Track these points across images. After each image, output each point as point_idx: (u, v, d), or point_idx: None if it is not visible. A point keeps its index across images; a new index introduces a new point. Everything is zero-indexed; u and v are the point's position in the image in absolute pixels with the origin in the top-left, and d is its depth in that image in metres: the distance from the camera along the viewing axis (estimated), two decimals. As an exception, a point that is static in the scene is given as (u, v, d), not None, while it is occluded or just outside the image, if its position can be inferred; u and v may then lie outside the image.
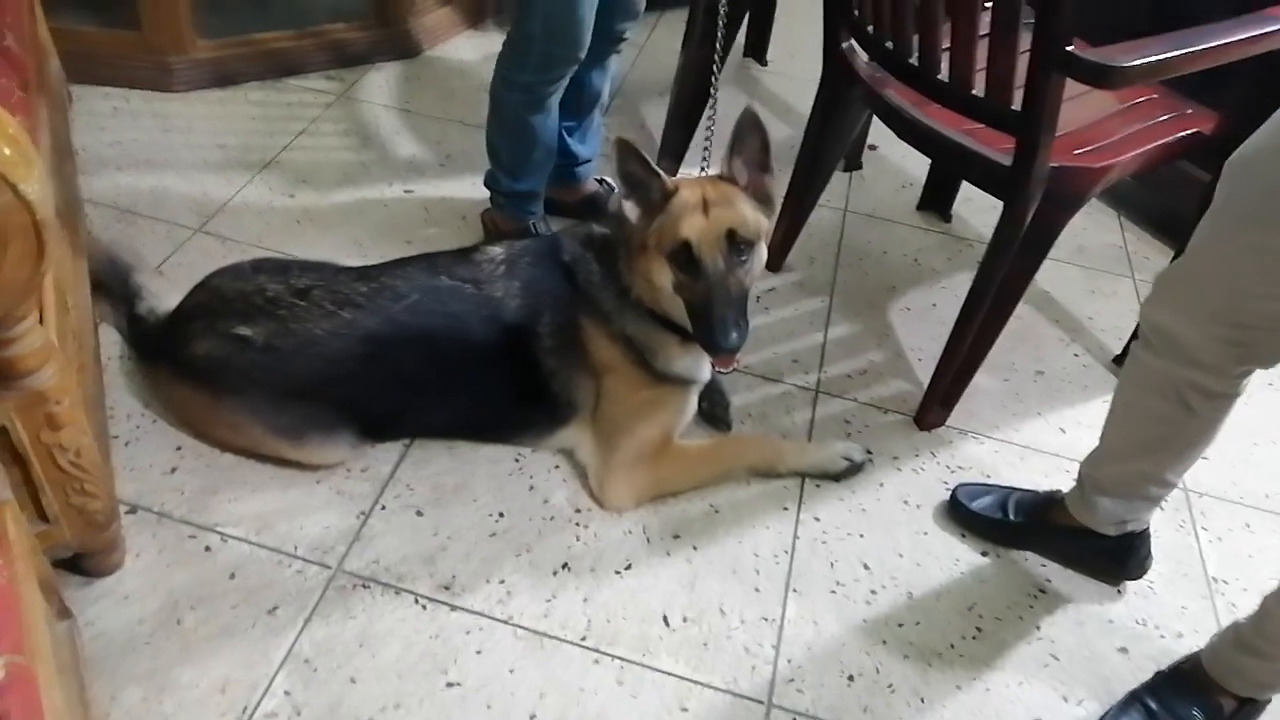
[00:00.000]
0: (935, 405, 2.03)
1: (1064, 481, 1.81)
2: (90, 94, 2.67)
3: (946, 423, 2.06)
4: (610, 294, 1.73)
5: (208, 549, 1.63)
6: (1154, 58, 1.51)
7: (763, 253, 1.66)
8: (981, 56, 1.62)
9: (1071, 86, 1.55)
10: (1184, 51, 1.53)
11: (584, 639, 1.58)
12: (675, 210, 1.60)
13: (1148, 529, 1.71)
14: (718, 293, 1.57)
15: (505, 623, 1.59)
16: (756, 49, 3.35)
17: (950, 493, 1.87)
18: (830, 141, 2.23)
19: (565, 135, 2.31)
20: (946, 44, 1.69)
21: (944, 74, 1.73)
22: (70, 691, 1.23)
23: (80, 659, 1.36)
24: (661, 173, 1.61)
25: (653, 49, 3.34)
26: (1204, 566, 1.84)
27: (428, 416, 1.83)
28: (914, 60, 1.78)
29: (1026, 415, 2.12)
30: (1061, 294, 2.49)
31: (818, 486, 1.89)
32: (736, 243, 1.59)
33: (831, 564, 1.75)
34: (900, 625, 1.67)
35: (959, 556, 1.79)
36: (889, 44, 1.82)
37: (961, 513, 1.83)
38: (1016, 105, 1.61)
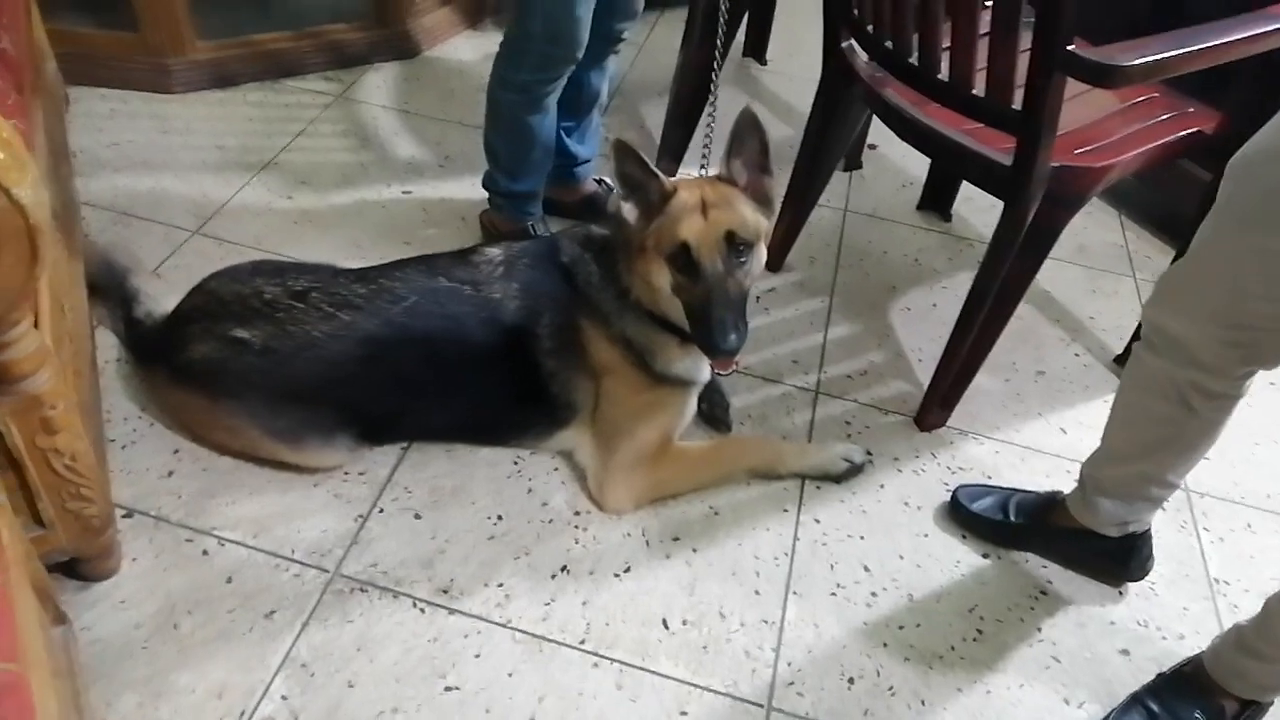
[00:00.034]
0: (936, 406, 2.03)
1: (1065, 482, 1.81)
2: (88, 95, 2.67)
3: (947, 423, 2.05)
4: (609, 295, 1.73)
5: (205, 553, 1.63)
6: (1155, 57, 1.50)
7: (762, 254, 1.65)
8: (982, 56, 1.61)
9: (1072, 85, 1.54)
10: (1185, 50, 1.52)
11: (583, 642, 1.57)
12: (674, 212, 1.59)
13: (1149, 530, 1.70)
14: (716, 294, 1.56)
15: (504, 626, 1.58)
16: (756, 48, 3.34)
17: (951, 494, 1.86)
18: (830, 141, 2.22)
19: (564, 135, 2.31)
20: (946, 43, 1.68)
21: (944, 73, 1.72)
22: (65, 698, 1.22)
23: (76, 665, 1.35)
24: (660, 174, 1.60)
25: (652, 48, 3.33)
26: (1206, 567, 1.83)
27: (426, 419, 1.82)
28: (914, 60, 1.77)
29: (1027, 416, 2.11)
30: (1062, 293, 2.48)
31: (818, 488, 1.88)
32: (735, 244, 1.58)
33: (832, 566, 1.74)
34: (901, 627, 1.66)
35: (960, 558, 1.79)
36: (889, 43, 1.81)
37: (962, 514, 1.82)
38: (1017, 105, 1.60)
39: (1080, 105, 1.82)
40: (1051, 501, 1.77)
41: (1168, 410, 1.43)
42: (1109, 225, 2.77)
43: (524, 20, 1.93)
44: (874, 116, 2.12)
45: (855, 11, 1.90)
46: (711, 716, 1.50)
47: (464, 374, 1.74)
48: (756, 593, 1.68)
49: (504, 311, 1.73)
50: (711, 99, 1.88)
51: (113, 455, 1.74)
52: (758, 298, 2.30)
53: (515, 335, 1.73)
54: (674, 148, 2.65)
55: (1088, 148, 1.78)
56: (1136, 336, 1.96)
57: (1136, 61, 1.49)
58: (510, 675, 1.51)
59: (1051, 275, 2.45)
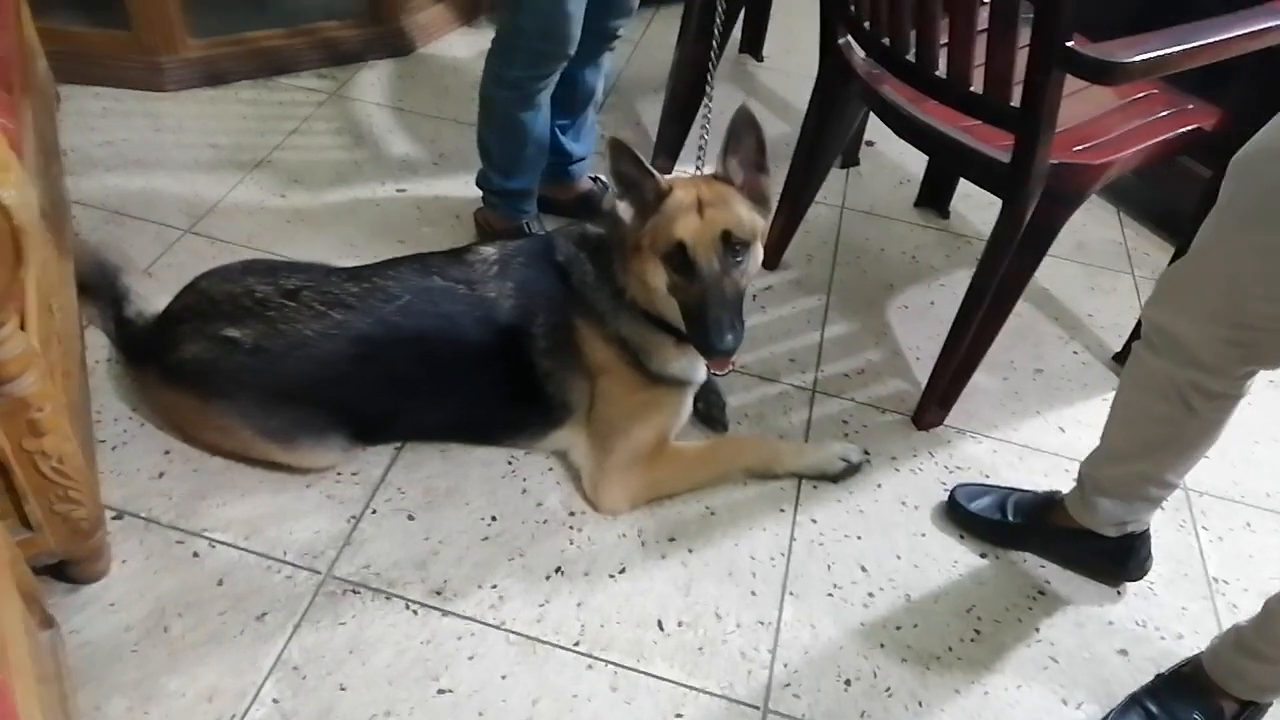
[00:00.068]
0: (933, 405, 2.01)
1: (1063, 481, 1.80)
2: (80, 94, 2.65)
3: (945, 422, 2.04)
4: (604, 295, 1.71)
5: (196, 555, 1.61)
6: (1155, 53, 1.49)
7: (758, 253, 1.64)
8: (980, 52, 1.60)
9: (1071, 82, 1.53)
10: (1185, 47, 1.51)
11: (577, 644, 1.56)
12: (669, 211, 1.58)
13: (1148, 530, 1.69)
14: (712, 294, 1.55)
15: (498, 628, 1.57)
16: (752, 45, 3.33)
17: (949, 493, 1.85)
18: (827, 138, 2.21)
19: (559, 133, 2.29)
20: (944, 40, 1.67)
21: (942, 70, 1.71)
22: (52, 703, 1.21)
23: (64, 669, 1.34)
24: (656, 173, 1.59)
25: (648, 45, 3.32)
26: (1204, 567, 1.82)
27: (420, 419, 1.81)
28: (911, 56, 1.75)
29: (1026, 414, 2.10)
30: (1061, 291, 2.47)
31: (815, 488, 1.87)
32: (731, 243, 1.57)
33: (829, 566, 1.73)
34: (898, 628, 1.65)
35: (957, 558, 1.77)
36: (886, 40, 1.80)
37: (960, 514, 1.81)
38: (1015, 102, 1.59)
39: (1079, 102, 1.81)
40: (1050, 501, 1.76)
41: (1168, 410, 1.42)
42: (1108, 222, 2.76)
43: (515, 16, 1.92)
44: (871, 113, 2.11)
45: (852, 8, 1.89)
46: (707, 718, 1.49)
47: (458, 373, 1.72)
48: (753, 593, 1.67)
49: (498, 311, 1.71)
50: (707, 96, 1.87)
51: (103, 456, 1.73)
52: (754, 296, 2.29)
53: (510, 334, 1.71)
54: (670, 145, 2.63)
55: (1086, 145, 1.77)
56: (1135, 334, 1.96)
57: (1136, 58, 1.48)
58: (504, 677, 1.50)
59: (1050, 272, 2.44)
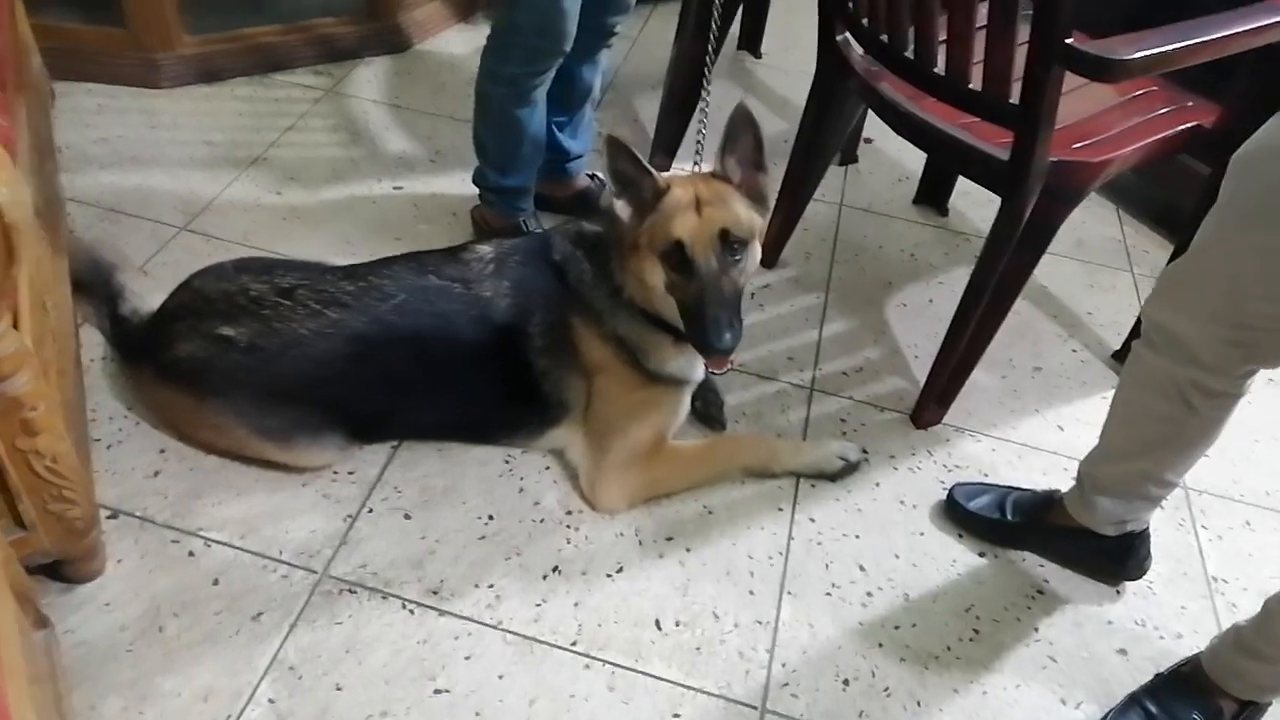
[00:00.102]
0: (932, 403, 2.01)
1: (1062, 480, 1.80)
2: (75, 91, 2.64)
3: (943, 421, 2.03)
4: (602, 293, 1.71)
5: (191, 554, 1.61)
6: (1155, 50, 1.48)
7: (756, 252, 1.63)
8: (979, 49, 1.59)
9: (1070, 79, 1.52)
10: (1185, 44, 1.50)
11: (575, 644, 1.55)
12: (667, 209, 1.57)
13: (1147, 529, 1.69)
14: (711, 293, 1.54)
15: (494, 628, 1.56)
16: (751, 41, 3.32)
17: (947, 492, 1.84)
18: (825, 135, 2.20)
19: (556, 131, 2.28)
20: (943, 37, 1.66)
21: (940, 67, 1.70)
22: (45, 704, 1.20)
23: (58, 669, 1.34)
24: (653, 171, 1.58)
25: (646, 42, 3.31)
26: (1204, 566, 1.81)
27: (416, 418, 1.80)
28: (910, 53, 1.75)
29: (1024, 412, 2.09)
30: (1059, 288, 2.46)
31: (813, 486, 1.86)
32: (730, 242, 1.56)
33: (827, 565, 1.73)
34: (897, 628, 1.64)
35: (956, 557, 1.77)
36: (884, 37, 1.79)
37: (959, 512, 1.80)
38: (1014, 99, 1.58)
39: (1078, 99, 1.80)
40: (1049, 500, 1.76)
41: (1168, 408, 1.42)
42: (1107, 220, 2.75)
43: (511, 12, 1.91)
44: (869, 110, 2.10)
45: (850, 5, 1.88)
46: (705, 718, 1.48)
47: (454, 372, 1.72)
48: (751, 593, 1.66)
49: (495, 309, 1.70)
50: (705, 94, 1.86)
51: (98, 455, 1.72)
52: (752, 294, 2.28)
53: (506, 333, 1.71)
54: (668, 142, 2.63)
55: (1086, 142, 1.76)
56: (1135, 332, 1.96)
57: (1136, 55, 1.47)
58: (501, 677, 1.49)
59: (1049, 270, 2.44)
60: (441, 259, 1.78)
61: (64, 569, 1.51)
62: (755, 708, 1.50)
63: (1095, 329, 2.35)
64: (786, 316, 2.28)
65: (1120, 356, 2.23)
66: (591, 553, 1.69)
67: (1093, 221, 2.71)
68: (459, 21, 3.26)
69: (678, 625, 1.60)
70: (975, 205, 2.67)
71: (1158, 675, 1.54)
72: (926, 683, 1.57)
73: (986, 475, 1.93)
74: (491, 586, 1.62)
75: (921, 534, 1.80)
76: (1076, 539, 1.69)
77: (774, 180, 1.70)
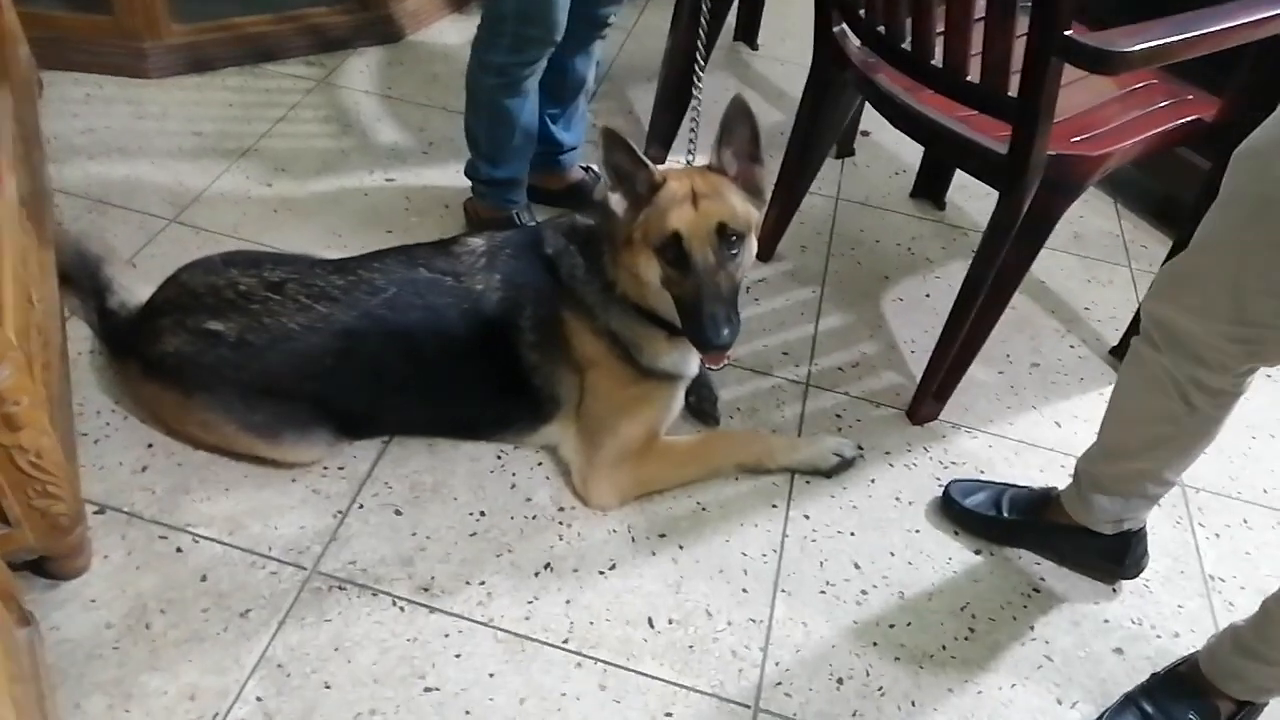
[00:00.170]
0: (928, 399, 1.99)
1: (1060, 477, 1.78)
2: (62, 80, 2.60)
3: (940, 417, 2.02)
4: (594, 288, 1.69)
5: (178, 550, 1.59)
6: (1155, 42, 1.46)
7: (753, 245, 1.61)
8: (977, 41, 1.58)
9: (1069, 71, 1.50)
10: (1186, 36, 1.48)
11: (566, 642, 1.54)
12: (663, 202, 1.55)
13: (1144, 527, 1.68)
14: (708, 288, 1.52)
15: (485, 625, 1.54)
16: (747, 32, 3.29)
17: (943, 489, 1.83)
18: (822, 127, 2.19)
19: (549, 122, 2.26)
20: (940, 28, 1.64)
21: (938, 59, 1.68)
22: (27, 703, 1.18)
23: (41, 667, 1.32)
24: (649, 163, 1.56)
25: (641, 32, 3.28)
26: (1201, 564, 1.80)
27: (406, 413, 1.79)
28: (907, 45, 1.73)
29: (1022, 409, 2.08)
30: (1057, 283, 2.44)
31: (808, 483, 1.85)
32: (727, 235, 1.54)
33: (821, 563, 1.71)
34: (891, 626, 1.63)
35: (952, 555, 1.75)
36: (881, 28, 1.77)
37: (955, 510, 1.79)
38: (1013, 91, 1.56)
39: (1077, 91, 1.78)
40: (1046, 497, 1.74)
41: (1167, 407, 1.40)
42: (1105, 213, 2.73)
43: (498, 1, 1.88)
44: (866, 103, 2.08)
45: (847, -5, 1.86)
46: (697, 718, 1.47)
47: (445, 367, 1.70)
48: (744, 591, 1.65)
49: (486, 303, 1.68)
50: (696, 86, 1.84)
51: (84, 450, 1.70)
52: (747, 288, 2.26)
53: (497, 328, 1.69)
54: (662, 134, 2.60)
55: (1085, 135, 1.75)
56: (1133, 328, 1.94)
57: (1136, 47, 1.45)
58: (491, 676, 1.48)
59: (1046, 265, 2.42)
60: (432, 252, 1.75)
61: (49, 565, 1.50)
62: (748, 707, 1.49)
63: (1093, 324, 2.33)
64: (782, 311, 2.26)
65: (1118, 352, 2.21)
66: (583, 550, 1.67)
67: (1091, 216, 2.70)
68: (452, 11, 3.23)
69: (670, 623, 1.58)
70: (973, 199, 2.65)
71: (1154, 675, 1.53)
72: (921, 682, 1.55)
73: (983, 472, 1.91)
74: (482, 584, 1.60)
75: (917, 531, 1.79)
76: (1073, 537, 1.68)
77: (770, 173, 1.68)
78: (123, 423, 1.76)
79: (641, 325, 1.68)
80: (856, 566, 1.71)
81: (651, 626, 1.58)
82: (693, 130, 1.85)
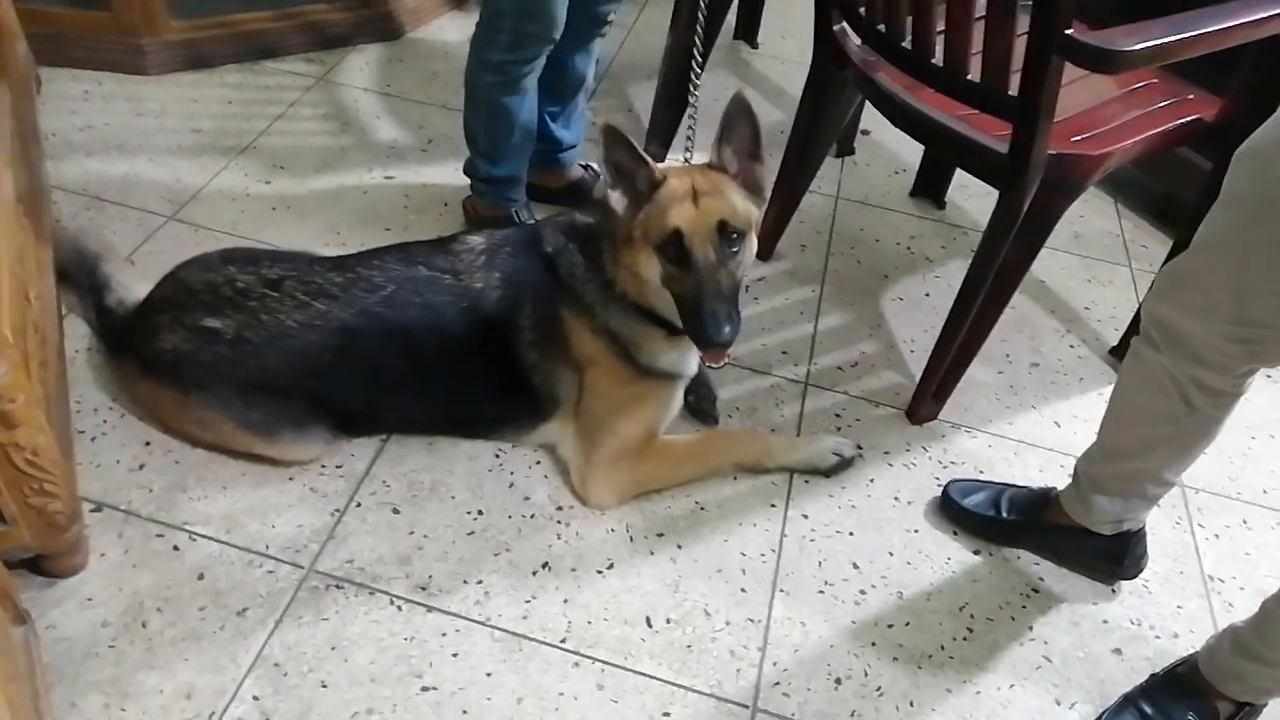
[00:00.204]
0: (928, 398, 1.99)
1: (1059, 477, 1.78)
2: (60, 76, 2.60)
3: (939, 416, 2.01)
4: (594, 287, 1.68)
5: (175, 549, 1.58)
6: (1156, 42, 1.46)
7: (753, 244, 1.61)
8: (977, 40, 1.57)
9: (1069, 71, 1.50)
10: (1187, 35, 1.48)
11: (564, 641, 1.53)
12: (663, 200, 1.54)
13: (1144, 527, 1.67)
14: (708, 286, 1.51)
15: (483, 624, 1.54)
16: (747, 30, 3.28)
17: (942, 489, 1.82)
18: (822, 126, 2.18)
19: (549, 120, 2.25)
20: (941, 27, 1.64)
21: (938, 58, 1.67)
22: (22, 701, 1.18)
23: (37, 666, 1.31)
24: (650, 161, 1.55)
25: (641, 30, 3.27)
26: (1200, 564, 1.80)
27: (405, 411, 1.78)
28: (907, 43, 1.72)
29: (1021, 409, 2.07)
30: (1057, 283, 2.44)
31: (806, 483, 1.84)
32: (727, 233, 1.53)
33: (820, 563, 1.71)
34: (890, 626, 1.62)
35: (951, 555, 1.75)
36: (881, 26, 1.77)
37: (954, 510, 1.79)
38: (1013, 90, 1.56)
39: (1077, 91, 1.78)
40: (1045, 498, 1.74)
41: (1167, 407, 1.40)
42: (1105, 213, 2.73)
43: None
44: (866, 101, 2.07)
45: (848, -7, 1.85)
46: (695, 718, 1.46)
47: (443, 365, 1.69)
48: (742, 590, 1.64)
49: (485, 302, 1.68)
50: (694, 85, 1.83)
51: (82, 447, 1.69)
52: (747, 287, 2.25)
53: (496, 326, 1.68)
54: (662, 132, 2.60)
55: (1085, 135, 1.74)
56: (1133, 328, 1.94)
57: (1137, 46, 1.44)
58: (489, 675, 1.48)
59: (1046, 264, 2.42)
60: (431, 250, 1.75)
61: (45, 563, 1.49)
62: (746, 707, 1.49)
63: (1093, 324, 2.33)
64: (781, 310, 2.25)
65: (1118, 352, 2.21)
66: (582, 549, 1.67)
67: (1091, 215, 2.69)
68: (451, 9, 3.22)
69: (668, 623, 1.58)
70: (973, 198, 2.65)
71: (1153, 675, 1.53)
72: (920, 682, 1.55)
73: (982, 472, 1.91)
74: (480, 583, 1.60)
75: (916, 531, 1.79)
76: (1073, 537, 1.68)
77: (770, 171, 1.67)
78: (120, 420, 1.76)
79: (641, 324, 1.68)
80: (855, 566, 1.71)
81: (649, 626, 1.57)
82: (690, 128, 1.84)
